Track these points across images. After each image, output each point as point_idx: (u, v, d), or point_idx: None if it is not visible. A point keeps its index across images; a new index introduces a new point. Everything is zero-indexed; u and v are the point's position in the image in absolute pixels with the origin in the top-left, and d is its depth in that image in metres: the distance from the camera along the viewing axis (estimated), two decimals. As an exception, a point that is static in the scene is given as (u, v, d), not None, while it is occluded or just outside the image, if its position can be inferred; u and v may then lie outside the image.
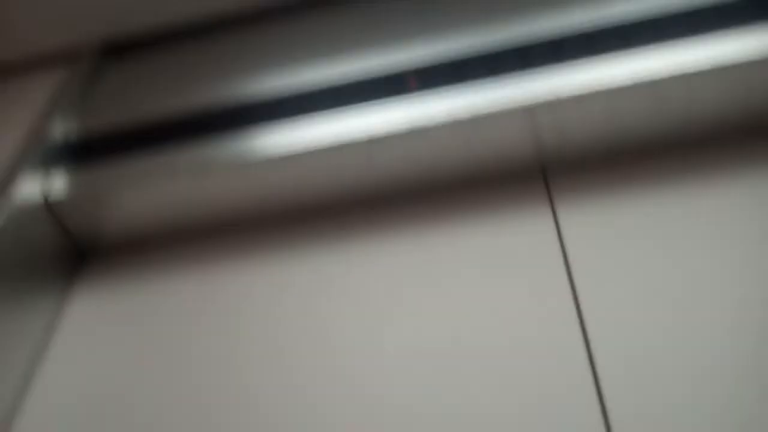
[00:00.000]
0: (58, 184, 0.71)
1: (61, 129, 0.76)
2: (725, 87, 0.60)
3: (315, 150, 0.65)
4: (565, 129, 0.63)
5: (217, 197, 0.70)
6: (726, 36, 0.60)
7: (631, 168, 0.64)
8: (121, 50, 0.89)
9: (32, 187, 0.69)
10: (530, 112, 0.62)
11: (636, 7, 0.66)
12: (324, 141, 0.65)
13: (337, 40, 0.77)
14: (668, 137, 0.64)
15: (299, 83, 0.72)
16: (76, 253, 0.75)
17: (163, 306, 0.68)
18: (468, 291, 0.60)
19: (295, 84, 0.72)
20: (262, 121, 0.69)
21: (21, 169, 0.69)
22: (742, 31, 0.60)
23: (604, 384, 0.51)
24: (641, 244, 0.59)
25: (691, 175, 0.62)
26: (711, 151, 0.63)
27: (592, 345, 0.54)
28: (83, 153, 0.74)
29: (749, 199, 0.59)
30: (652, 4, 0.65)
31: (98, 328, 0.68)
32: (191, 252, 0.72)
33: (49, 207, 0.70)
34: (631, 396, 0.50)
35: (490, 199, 0.67)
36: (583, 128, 0.63)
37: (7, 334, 0.63)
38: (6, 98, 0.87)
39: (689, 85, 0.60)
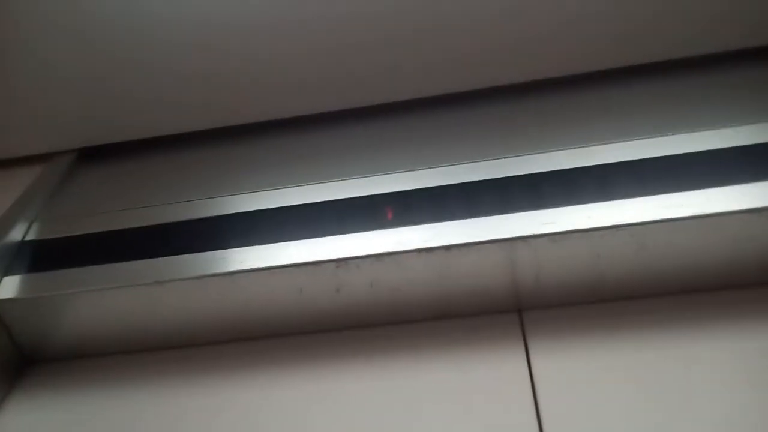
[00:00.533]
0: (7, 286, 0.68)
1: (21, 231, 0.75)
2: (707, 236, 0.60)
3: (278, 267, 0.63)
4: (542, 267, 0.62)
5: (172, 312, 0.67)
6: (710, 185, 0.61)
7: (608, 311, 0.63)
8: (97, 156, 0.89)
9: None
10: (508, 246, 0.61)
11: (619, 154, 0.66)
12: (289, 260, 0.63)
13: (314, 163, 0.77)
14: (647, 283, 0.63)
15: (270, 205, 0.71)
16: (18, 360, 0.71)
17: (100, 423, 0.64)
18: (430, 428, 0.58)
19: (266, 206, 0.71)
20: (227, 239, 0.68)
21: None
22: (727, 182, 0.60)
23: None
24: (613, 390, 0.57)
25: (668, 322, 0.61)
26: (690, 299, 0.63)
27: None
28: (41, 257, 0.71)
29: (727, 351, 0.58)
30: (634, 152, 0.66)
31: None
32: (138, 368, 0.68)
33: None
34: None
35: (461, 333, 0.64)
36: (562, 268, 0.62)
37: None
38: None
39: (670, 232, 0.60)
